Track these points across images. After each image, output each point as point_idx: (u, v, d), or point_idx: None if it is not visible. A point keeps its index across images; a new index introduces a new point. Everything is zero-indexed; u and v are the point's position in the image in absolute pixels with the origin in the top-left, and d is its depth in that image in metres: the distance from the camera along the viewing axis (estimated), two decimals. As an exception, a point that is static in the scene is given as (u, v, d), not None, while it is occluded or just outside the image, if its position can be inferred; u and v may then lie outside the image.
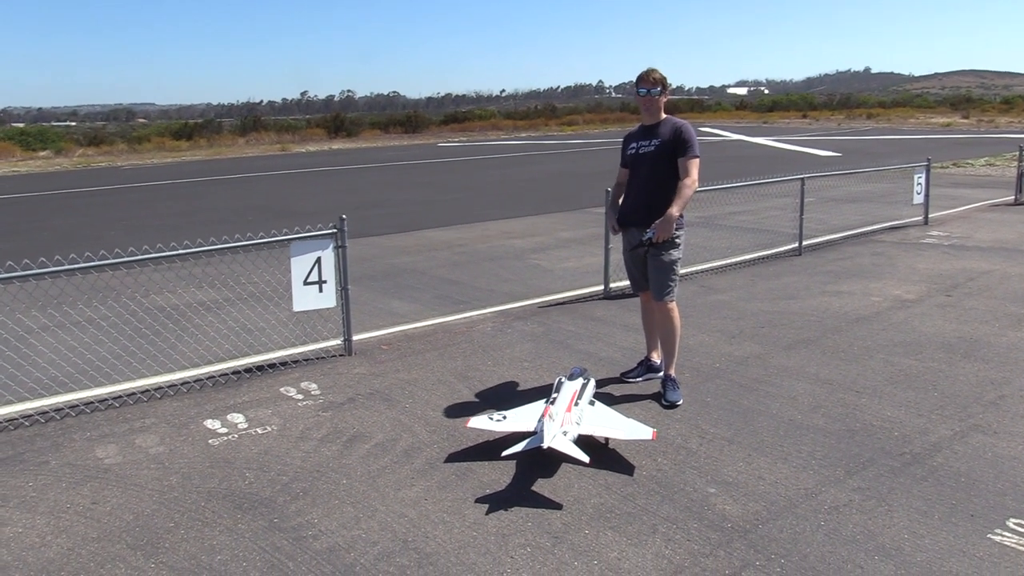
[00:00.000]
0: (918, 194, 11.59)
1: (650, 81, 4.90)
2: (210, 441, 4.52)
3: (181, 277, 8.70)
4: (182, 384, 5.43)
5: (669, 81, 5.03)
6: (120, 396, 5.24)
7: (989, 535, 3.41)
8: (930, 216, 12.00)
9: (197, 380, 5.50)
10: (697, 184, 4.84)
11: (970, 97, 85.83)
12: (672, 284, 4.95)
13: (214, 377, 5.56)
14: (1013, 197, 14.09)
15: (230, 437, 4.57)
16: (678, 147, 4.84)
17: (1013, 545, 3.33)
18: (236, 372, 5.67)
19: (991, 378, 5.29)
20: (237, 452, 4.37)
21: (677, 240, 4.90)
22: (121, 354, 5.93)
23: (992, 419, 4.62)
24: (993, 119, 52.00)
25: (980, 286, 7.81)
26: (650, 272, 4.98)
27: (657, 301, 5.00)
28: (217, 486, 3.98)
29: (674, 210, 4.68)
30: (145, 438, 4.59)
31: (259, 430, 4.67)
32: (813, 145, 31.43)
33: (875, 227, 11.68)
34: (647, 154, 4.93)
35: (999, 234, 10.85)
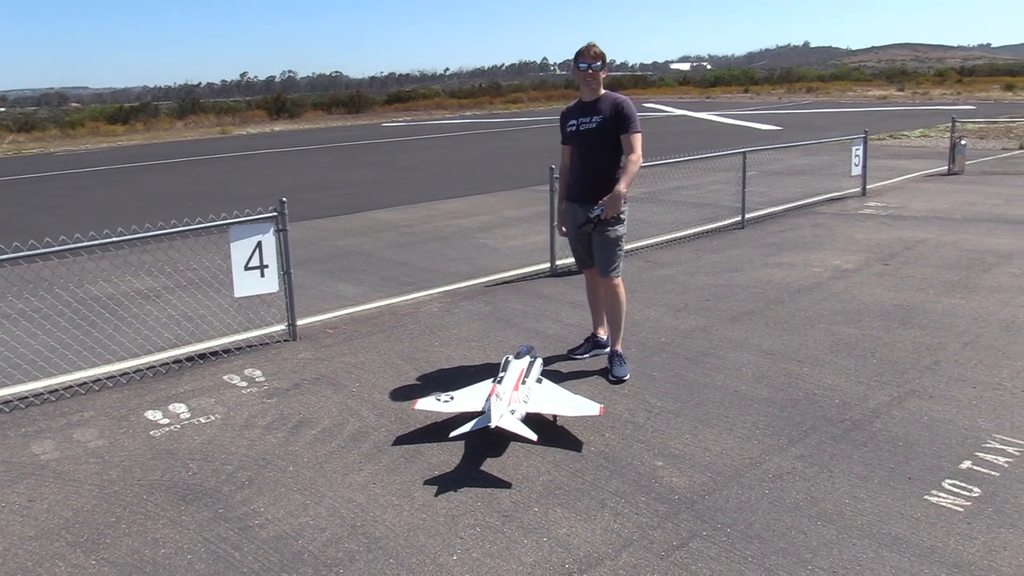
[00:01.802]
0: (856, 166, 11.84)
1: (591, 55, 4.88)
2: (151, 433, 4.42)
3: (117, 266, 8.46)
4: (121, 375, 5.29)
5: (608, 57, 5.03)
6: (56, 390, 5.08)
7: (926, 496, 3.51)
8: (868, 187, 12.27)
9: (137, 371, 5.36)
10: (642, 159, 4.85)
11: (905, 70, 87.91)
12: (618, 260, 4.96)
13: (154, 367, 5.42)
14: (947, 167, 14.47)
15: (172, 428, 4.47)
16: (620, 123, 4.84)
17: (948, 505, 3.43)
18: (177, 361, 5.54)
19: (927, 344, 5.44)
20: (180, 443, 4.27)
21: (622, 216, 4.91)
22: (56, 347, 5.74)
23: (928, 384, 4.76)
24: (927, 91, 53.33)
25: (916, 255, 8.02)
26: (595, 249, 4.99)
27: (603, 277, 5.01)
28: (159, 478, 3.89)
29: (622, 187, 4.69)
30: (83, 432, 4.46)
31: (202, 419, 4.57)
32: (755, 119, 31.85)
33: (815, 199, 11.89)
34: (589, 131, 4.92)
35: (933, 203, 11.15)
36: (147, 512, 3.58)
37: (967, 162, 14.54)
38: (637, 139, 4.84)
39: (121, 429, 4.47)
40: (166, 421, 4.57)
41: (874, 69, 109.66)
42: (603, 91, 4.97)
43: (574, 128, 5.00)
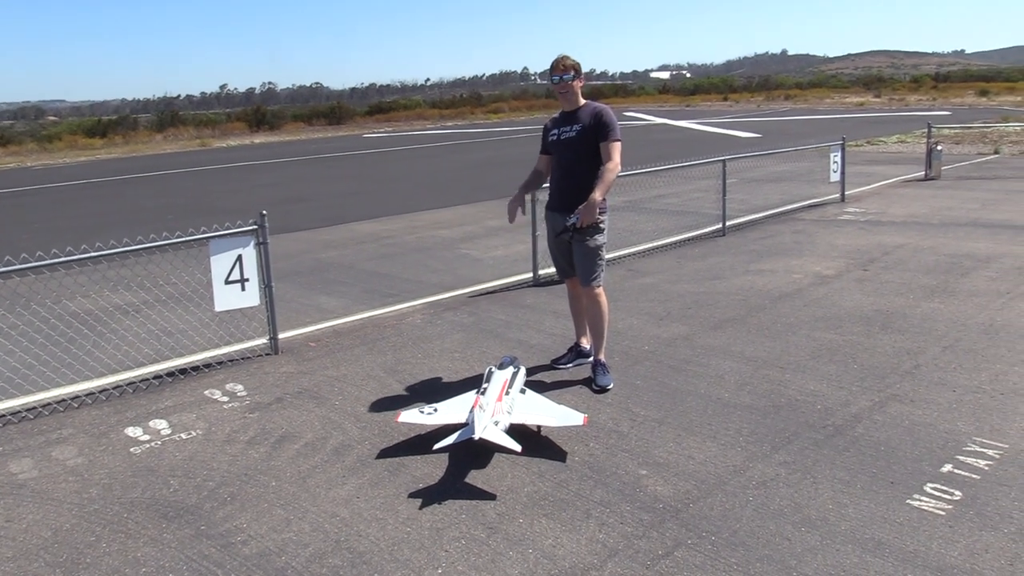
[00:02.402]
0: (834, 172, 11.95)
1: (562, 68, 4.90)
2: (132, 449, 4.37)
3: (96, 281, 8.37)
4: (100, 392, 5.23)
5: (582, 67, 5.04)
6: (34, 407, 5.01)
7: (908, 500, 3.53)
8: (846, 193, 12.38)
9: (117, 387, 5.31)
10: (619, 168, 4.86)
11: (881, 77, 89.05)
12: (598, 269, 4.97)
13: (134, 383, 5.36)
14: (923, 173, 14.64)
15: (153, 444, 4.42)
16: (599, 131, 4.85)
17: (931, 509, 3.45)
18: (158, 377, 5.49)
19: (907, 348, 5.48)
20: (161, 459, 4.23)
21: (601, 225, 4.92)
22: (33, 363, 5.67)
23: (908, 388, 4.79)
24: (903, 98, 54.01)
25: (895, 260, 8.09)
26: (576, 258, 5.00)
27: (584, 287, 5.02)
28: (140, 496, 3.84)
29: (597, 195, 4.69)
30: (62, 450, 4.40)
31: (183, 435, 4.52)
32: (735, 127, 32.09)
33: (795, 206, 11.99)
34: (569, 140, 4.93)
35: (911, 209, 11.27)
36: (128, 530, 3.53)
37: (943, 167, 14.71)
38: (616, 147, 4.86)
39: (101, 446, 4.42)
40: (146, 438, 4.52)
41: (851, 76, 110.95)
42: (583, 101, 4.99)
43: (555, 137, 5.02)
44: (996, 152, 18.94)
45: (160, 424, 4.70)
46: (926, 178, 14.38)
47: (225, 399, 5.06)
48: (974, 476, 3.73)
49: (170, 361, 5.80)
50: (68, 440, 4.53)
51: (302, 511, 3.63)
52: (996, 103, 44.60)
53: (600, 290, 5.02)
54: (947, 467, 3.82)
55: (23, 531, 3.57)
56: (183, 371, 5.57)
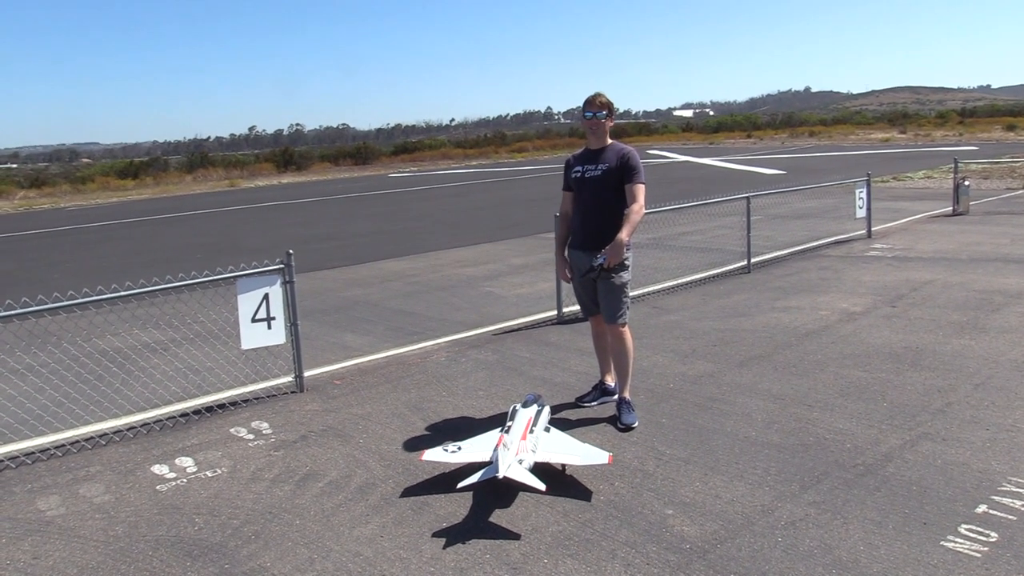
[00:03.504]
0: (860, 208, 11.88)
1: (597, 104, 4.95)
2: (158, 487, 4.39)
3: (125, 319, 8.49)
4: (128, 429, 5.28)
5: (616, 106, 5.10)
6: (63, 445, 5.06)
7: (942, 542, 3.44)
8: (873, 229, 12.29)
9: (144, 424, 5.35)
10: (644, 210, 4.89)
11: (906, 113, 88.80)
12: (624, 307, 4.96)
13: (161, 421, 5.41)
14: (951, 208, 14.51)
15: (179, 482, 4.44)
16: (625, 173, 4.88)
17: (965, 551, 3.37)
18: (184, 414, 5.53)
19: (937, 386, 5.39)
20: (186, 497, 4.24)
21: (626, 263, 4.92)
22: (63, 401, 5.74)
23: (940, 426, 4.70)
24: (929, 133, 53.76)
25: (923, 296, 8.00)
26: (600, 296, 5.00)
27: (609, 324, 5.01)
28: (165, 534, 3.85)
29: (623, 235, 4.71)
30: (89, 487, 4.43)
31: (209, 473, 4.54)
32: (759, 164, 32.08)
33: (821, 242, 11.92)
34: (593, 178, 4.96)
35: (939, 244, 11.15)
36: (152, 569, 3.53)
37: (971, 202, 14.58)
38: (640, 190, 4.88)
39: (127, 484, 4.45)
40: (172, 475, 4.54)
41: (876, 112, 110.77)
42: (610, 140, 5.03)
43: (579, 175, 5.05)
44: (1025, 187, 18.74)
45: (186, 462, 4.72)
46: (954, 213, 14.25)
47: (251, 437, 5.08)
48: (1010, 517, 3.64)
49: (197, 399, 5.85)
50: (95, 477, 4.56)
51: (326, 550, 3.62)
52: (1024, 138, 44.23)
53: (626, 328, 5.01)
54: (982, 508, 3.73)
55: (49, 568, 3.59)
56: (209, 409, 5.61)
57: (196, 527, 3.90)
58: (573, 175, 5.11)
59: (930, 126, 63.13)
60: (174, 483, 4.43)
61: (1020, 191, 18.17)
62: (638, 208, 4.82)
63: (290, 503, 4.11)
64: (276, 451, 4.82)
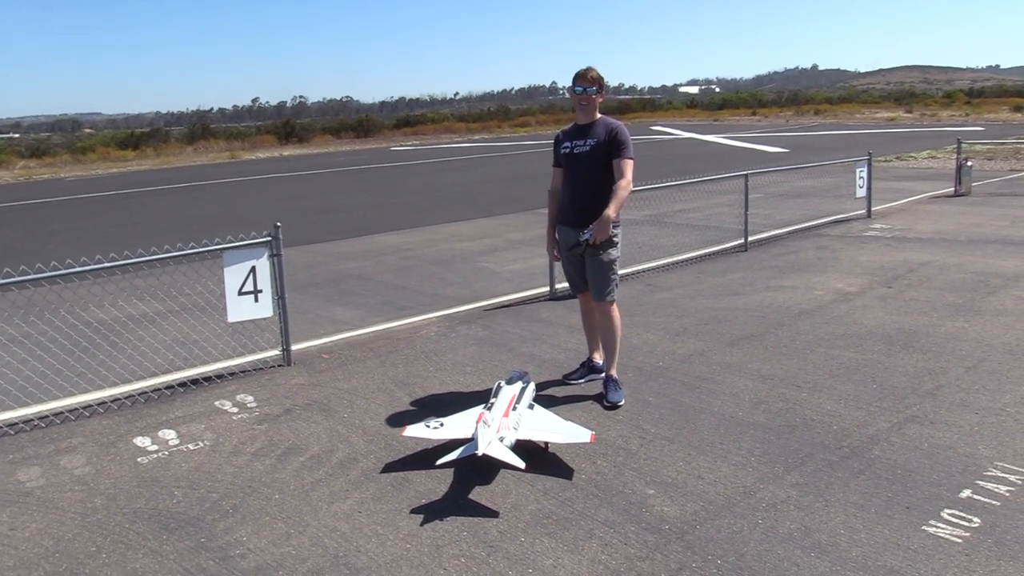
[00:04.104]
0: (860, 188, 11.78)
1: (587, 79, 4.85)
2: (139, 459, 4.36)
3: (118, 290, 8.44)
4: (113, 401, 5.25)
5: (607, 81, 5.01)
6: (47, 416, 5.04)
7: (924, 527, 3.41)
8: (873, 209, 12.20)
9: (128, 396, 5.32)
10: (632, 186, 4.81)
11: (913, 92, 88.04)
12: (611, 284, 4.91)
13: (146, 393, 5.38)
14: (953, 189, 14.39)
15: (160, 454, 4.42)
16: (613, 148, 4.80)
17: (947, 536, 3.33)
18: (170, 387, 5.50)
19: (929, 368, 5.34)
20: (167, 470, 4.22)
21: (615, 239, 4.86)
22: (47, 373, 5.71)
23: (929, 409, 4.66)
24: (935, 113, 53.31)
25: (920, 277, 7.93)
26: (589, 273, 4.94)
27: (597, 301, 4.96)
28: (143, 506, 3.83)
29: (610, 211, 4.63)
30: (71, 459, 4.41)
31: (191, 446, 4.52)
32: (762, 142, 31.87)
33: (819, 221, 11.82)
34: (582, 154, 4.88)
35: (939, 225, 11.06)
36: (128, 542, 3.51)
37: (974, 183, 14.45)
38: (628, 165, 4.80)
39: (108, 456, 4.43)
40: (154, 448, 4.52)
41: (882, 91, 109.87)
42: (599, 115, 4.95)
43: (568, 150, 4.97)
44: (1029, 168, 18.58)
45: (169, 434, 4.69)
46: (956, 194, 14.14)
47: (235, 410, 5.05)
48: (994, 502, 3.60)
49: (182, 371, 5.82)
50: (77, 449, 4.54)
51: (303, 525, 3.60)
52: (1031, 119, 43.85)
53: (614, 305, 4.96)
54: (966, 492, 3.69)
55: (26, 540, 3.57)
56: (195, 381, 5.58)
57: (175, 500, 3.88)
58: (562, 151, 5.03)
59: (936, 106, 62.56)
60: (155, 456, 4.41)
61: (1023, 172, 18.02)
62: (625, 184, 4.74)
63: (270, 477, 4.09)
64: (259, 425, 4.79)
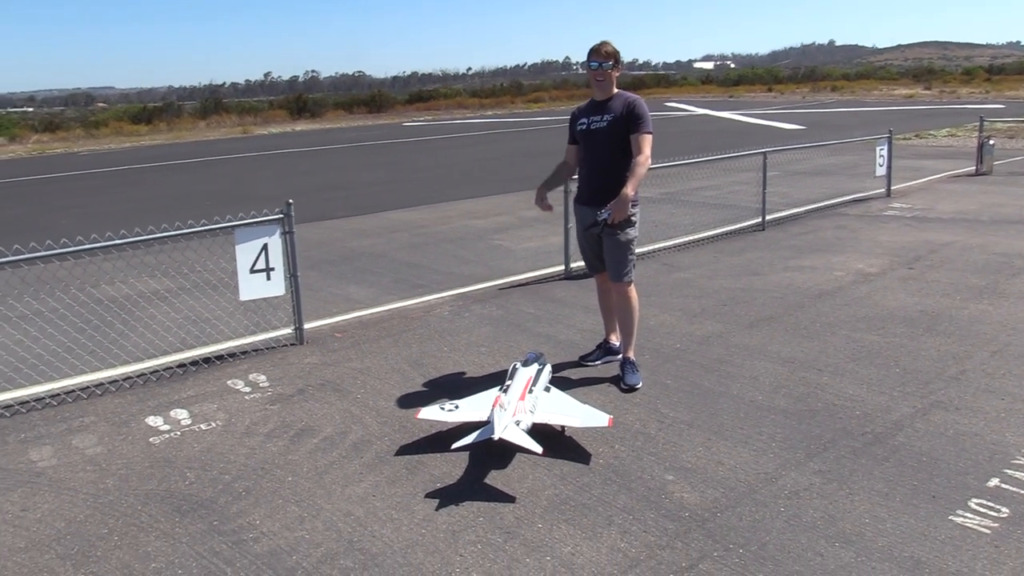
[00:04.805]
0: (880, 166, 11.57)
1: (602, 54, 4.72)
2: (151, 439, 4.32)
3: (132, 266, 8.41)
4: (125, 380, 5.21)
5: (622, 56, 4.88)
6: (58, 394, 5.01)
7: (951, 517, 3.33)
8: (892, 188, 12.00)
9: (141, 375, 5.28)
10: (650, 161, 4.68)
11: (932, 68, 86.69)
12: (629, 264, 4.81)
13: (158, 371, 5.33)
14: (974, 168, 14.14)
15: (172, 434, 4.38)
16: (631, 123, 4.68)
17: (975, 527, 3.25)
18: (182, 365, 5.45)
19: (953, 352, 5.23)
20: (179, 450, 4.18)
21: (633, 219, 4.75)
22: (59, 351, 5.67)
23: (954, 395, 4.56)
24: (955, 90, 52.52)
25: (942, 258, 7.79)
26: (606, 253, 4.84)
27: (614, 282, 4.86)
28: (156, 488, 3.79)
29: (629, 190, 4.52)
30: (83, 438, 4.38)
31: (203, 426, 4.47)
32: (778, 119, 31.49)
33: (838, 200, 11.65)
34: (599, 130, 4.76)
35: (960, 205, 10.87)
36: (140, 524, 3.47)
37: (995, 162, 14.19)
38: (647, 140, 4.68)
39: (121, 436, 4.39)
40: (167, 427, 4.47)
41: (900, 67, 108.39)
42: (616, 90, 4.82)
43: (584, 126, 4.85)
44: (1052, 147, 18.26)
45: (181, 414, 4.65)
46: (977, 173, 13.89)
47: (247, 390, 5.00)
48: (1023, 492, 3.51)
49: (195, 350, 5.77)
50: (89, 428, 4.50)
51: (316, 508, 3.55)
52: (1053, 96, 43.14)
53: (631, 286, 4.86)
54: (994, 481, 3.60)
55: (37, 521, 3.54)
56: (207, 360, 5.53)
57: (187, 481, 3.84)
58: (579, 127, 4.91)
59: (956, 83, 61.63)
60: (167, 436, 4.37)
61: (1046, 151, 17.69)
62: (643, 159, 4.62)
63: (283, 459, 4.04)
64: (272, 405, 4.74)
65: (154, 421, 4.57)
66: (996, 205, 10.74)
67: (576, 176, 5.10)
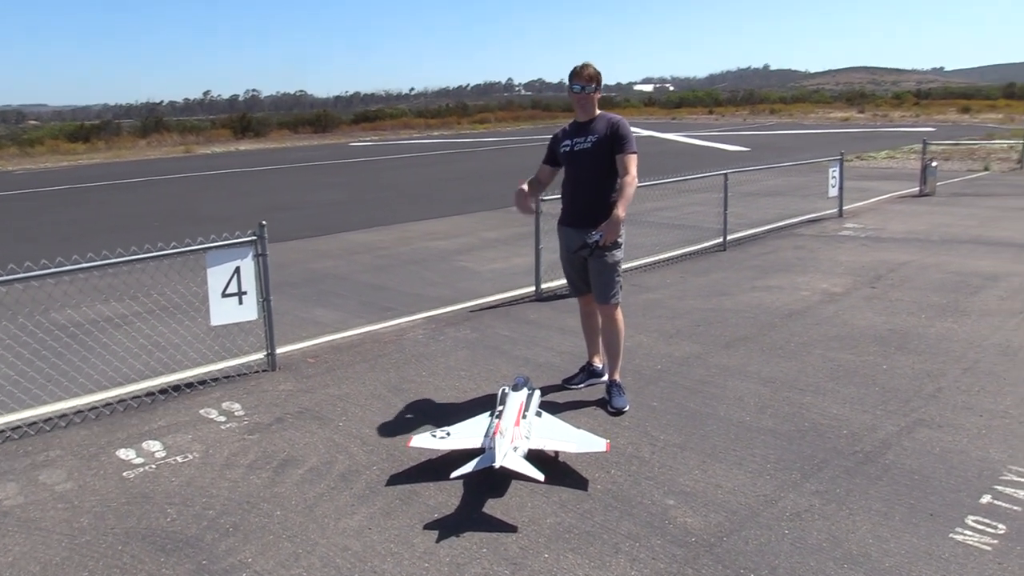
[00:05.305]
0: (833, 187, 11.85)
1: (585, 77, 4.71)
2: (125, 474, 4.11)
3: (82, 291, 8.07)
4: (90, 410, 4.96)
5: (602, 77, 4.88)
6: (19, 427, 4.74)
7: (951, 535, 3.35)
8: (844, 209, 12.28)
9: (107, 404, 5.04)
10: (637, 181, 4.68)
11: (864, 93, 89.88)
12: (616, 286, 4.78)
13: (125, 400, 5.11)
14: (918, 189, 14.59)
15: (147, 468, 4.17)
16: (616, 143, 4.67)
17: (976, 544, 3.28)
18: (150, 394, 5.23)
19: (927, 370, 5.32)
20: (156, 485, 3.98)
21: (620, 240, 4.73)
22: (19, 379, 5.39)
23: (934, 412, 4.63)
24: (887, 114, 54.42)
25: (901, 277, 7.97)
26: (592, 275, 4.80)
27: (601, 304, 4.83)
28: (135, 525, 3.60)
29: (620, 212, 4.50)
30: (50, 473, 4.14)
31: (179, 458, 4.28)
32: (722, 140, 32.13)
33: (793, 220, 11.87)
34: (584, 151, 4.74)
35: (910, 225, 11.18)
36: (123, 565, 3.28)
37: (937, 183, 14.67)
38: (632, 160, 4.67)
39: (91, 470, 4.17)
40: (140, 460, 4.27)
41: (833, 91, 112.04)
42: (598, 111, 4.81)
43: (568, 148, 4.82)
44: (986, 169, 18.99)
45: (154, 446, 4.45)
46: (921, 194, 14.34)
47: (222, 419, 4.81)
48: (1015, 508, 3.56)
49: (162, 377, 5.55)
50: (56, 463, 4.27)
51: (311, 544, 3.40)
52: (979, 120, 45.00)
53: (618, 308, 4.83)
54: (986, 498, 3.65)
55: (9, 565, 3.32)
56: (176, 388, 5.32)
57: (168, 518, 3.65)
58: (562, 149, 4.88)
59: (887, 106, 63.88)
60: (142, 469, 4.16)
61: (982, 173, 18.39)
62: (631, 180, 4.60)
63: (269, 492, 3.88)
64: (250, 435, 4.57)
65: (126, 454, 4.35)
66: (944, 225, 11.07)
67: (543, 195, 5.02)
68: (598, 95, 4.82)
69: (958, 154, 22.20)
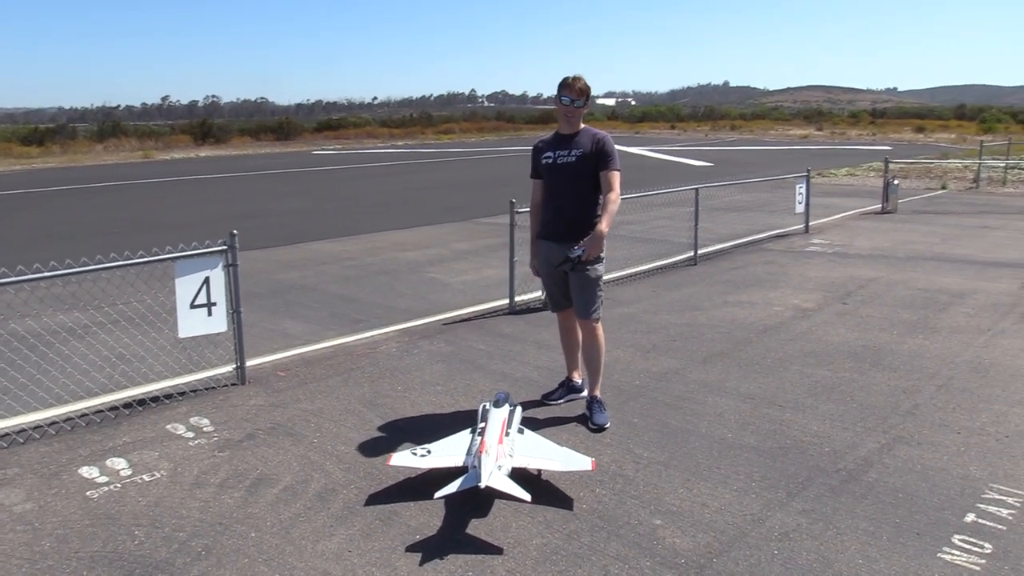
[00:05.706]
0: (800, 203, 11.97)
1: (576, 91, 4.64)
2: (88, 493, 3.93)
3: (39, 299, 7.78)
4: (49, 425, 4.75)
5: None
6: (-27, 442, 4.52)
7: (939, 554, 3.33)
8: (810, 224, 12.42)
9: (68, 419, 4.84)
10: (620, 198, 4.63)
11: (821, 111, 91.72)
12: (598, 301, 4.72)
13: (88, 415, 4.90)
14: (880, 206, 14.83)
15: (112, 487, 3.99)
16: (600, 158, 4.63)
17: (964, 563, 3.26)
18: (113, 408, 5.03)
19: (902, 387, 5.35)
20: (122, 505, 3.80)
21: (601, 255, 4.67)
22: (-28, 392, 5.16)
23: (912, 429, 4.64)
24: (844, 132, 55.53)
25: (871, 293, 8.04)
26: (574, 290, 4.73)
27: (583, 319, 4.76)
28: (101, 549, 3.42)
29: (604, 227, 4.45)
30: (8, 493, 3.94)
31: (146, 477, 4.10)
32: (686, 155, 32.44)
33: (761, 236, 11.96)
34: (567, 165, 4.68)
35: (875, 242, 11.33)
36: (89, 591, 3.12)
37: (899, 201, 14.92)
38: (616, 177, 4.63)
39: (52, 489, 3.97)
40: (104, 479, 4.08)
41: (791, 109, 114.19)
42: (583, 125, 4.76)
43: (550, 160, 4.75)
44: (943, 188, 19.40)
45: (119, 463, 4.26)
46: (883, 211, 14.57)
47: (190, 435, 4.64)
48: (999, 526, 3.56)
49: (127, 391, 5.34)
50: (14, 481, 4.06)
51: (288, 568, 3.27)
52: (933, 139, 46.11)
53: (599, 323, 4.77)
54: (970, 516, 3.64)
55: (-35, 591, 3.13)
56: (141, 402, 5.13)
57: (136, 541, 3.48)
58: (544, 161, 4.81)
59: (844, 124, 65.24)
60: (106, 488, 3.98)
61: (940, 191, 18.78)
62: (615, 197, 4.57)
63: (242, 512, 3.73)
64: (221, 452, 4.40)
65: (89, 472, 4.16)
66: (908, 242, 11.24)
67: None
68: (586, 109, 4.76)
69: (915, 172, 22.68)
